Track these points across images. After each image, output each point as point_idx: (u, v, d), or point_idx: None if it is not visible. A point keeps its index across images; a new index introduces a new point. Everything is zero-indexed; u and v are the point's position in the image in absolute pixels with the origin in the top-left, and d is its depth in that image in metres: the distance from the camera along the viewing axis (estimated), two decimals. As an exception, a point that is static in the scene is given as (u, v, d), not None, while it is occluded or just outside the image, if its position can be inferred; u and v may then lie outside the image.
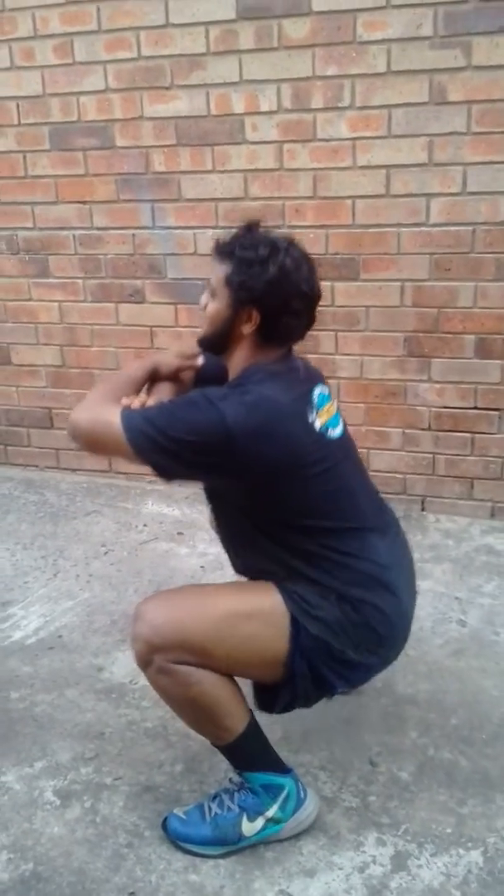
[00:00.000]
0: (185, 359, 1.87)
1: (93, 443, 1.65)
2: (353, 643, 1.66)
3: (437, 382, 3.05)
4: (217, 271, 1.67)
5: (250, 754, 1.75)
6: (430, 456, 3.14)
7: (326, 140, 2.94)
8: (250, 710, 1.72)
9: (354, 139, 2.90)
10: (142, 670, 1.69)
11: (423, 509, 3.19)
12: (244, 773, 1.75)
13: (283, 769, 1.76)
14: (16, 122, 3.33)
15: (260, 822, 1.73)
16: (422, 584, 2.67)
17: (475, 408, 3.03)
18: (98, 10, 3.07)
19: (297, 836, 1.77)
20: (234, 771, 1.78)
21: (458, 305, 2.95)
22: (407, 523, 3.08)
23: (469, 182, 2.82)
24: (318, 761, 1.98)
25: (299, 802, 1.75)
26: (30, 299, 3.55)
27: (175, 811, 1.80)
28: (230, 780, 1.81)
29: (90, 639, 2.51)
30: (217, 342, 1.72)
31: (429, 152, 2.83)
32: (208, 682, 1.64)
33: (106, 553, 3.02)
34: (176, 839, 1.76)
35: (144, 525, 3.23)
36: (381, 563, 1.69)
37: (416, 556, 2.81)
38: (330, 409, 1.71)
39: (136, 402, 1.66)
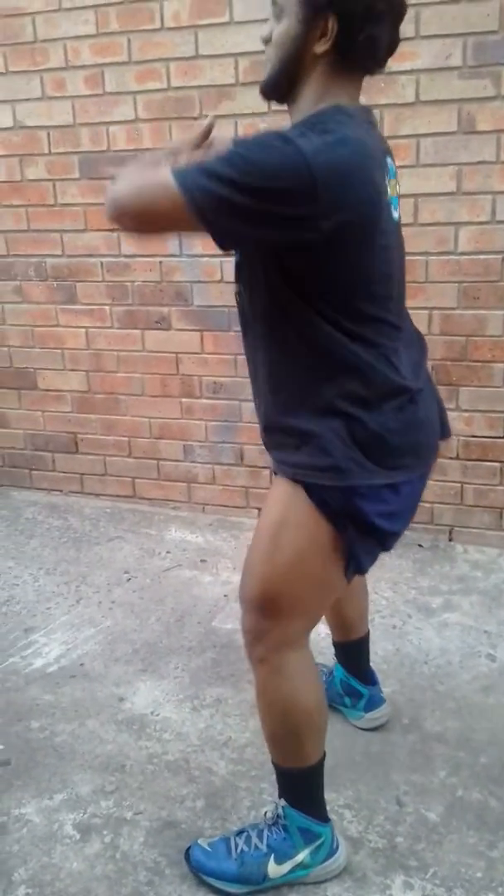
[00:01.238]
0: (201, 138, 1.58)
1: (140, 214, 1.38)
2: (368, 468, 1.46)
3: (466, 411, 3.01)
4: None
5: (305, 791, 1.71)
6: (459, 485, 3.09)
7: (354, 169, 2.94)
8: (325, 751, 1.69)
9: (382, 168, 2.90)
10: (253, 666, 1.64)
11: (450, 539, 3.14)
12: (287, 807, 1.70)
13: (325, 818, 1.71)
14: (46, 150, 3.37)
15: (287, 867, 1.68)
16: (450, 617, 2.64)
17: (504, 437, 3.00)
18: (129, 41, 3.11)
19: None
20: (275, 802, 1.73)
21: (486, 334, 2.92)
22: (434, 554, 3.05)
23: (498, 211, 2.80)
24: (344, 800, 1.93)
25: (331, 853, 1.71)
26: (57, 325, 3.57)
27: (199, 841, 1.76)
28: (265, 813, 1.76)
29: (111, 668, 2.49)
30: (285, 75, 1.44)
31: (457, 181, 2.82)
32: (315, 700, 1.63)
33: (129, 580, 3.00)
34: (198, 870, 1.71)
35: (168, 552, 3.21)
36: (401, 364, 1.50)
37: (443, 587, 2.79)
38: (394, 185, 1.49)
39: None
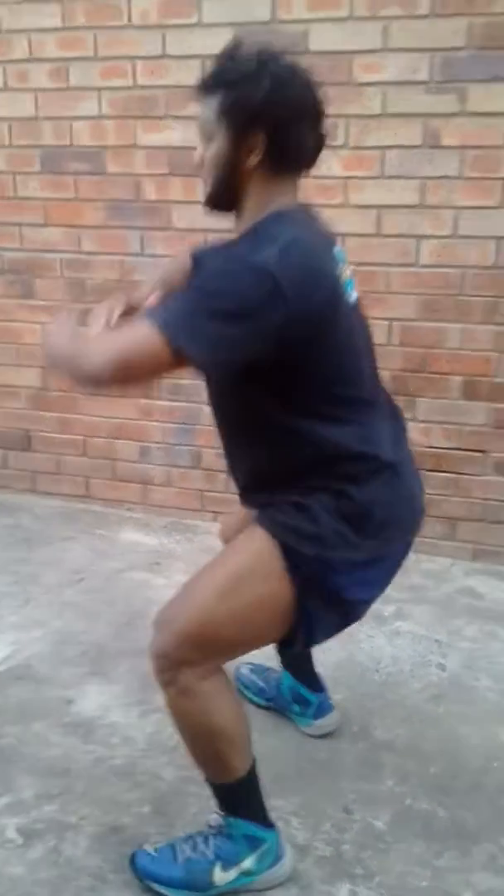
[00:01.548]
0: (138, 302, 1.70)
1: (127, 374, 1.38)
2: (353, 543, 1.50)
3: (423, 422, 3.04)
4: (206, 110, 1.48)
5: (243, 799, 1.69)
6: (412, 495, 3.12)
7: (319, 177, 2.94)
8: (254, 756, 1.67)
9: (347, 178, 2.91)
10: (162, 689, 1.58)
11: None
12: (228, 817, 1.68)
13: (268, 824, 1.70)
14: (7, 142, 3.31)
15: (233, 874, 1.67)
16: (401, 626, 2.66)
17: (460, 449, 3.03)
18: (95, 36, 3.08)
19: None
20: (218, 812, 1.71)
21: (445, 346, 2.96)
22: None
23: (460, 225, 2.84)
24: (291, 806, 1.92)
25: (276, 859, 1.70)
26: (13, 320, 3.51)
27: (145, 846, 1.74)
28: (208, 822, 1.74)
29: (60, 670, 2.44)
30: (225, 190, 1.51)
31: (421, 194, 2.85)
32: (230, 716, 1.59)
33: (80, 581, 2.95)
34: (143, 876, 1.69)
35: (120, 553, 3.17)
36: (381, 440, 1.55)
37: (396, 595, 2.80)
38: (344, 272, 1.54)
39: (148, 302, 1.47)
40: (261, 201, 1.49)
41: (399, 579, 2.91)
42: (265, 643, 1.68)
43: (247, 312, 1.35)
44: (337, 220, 2.93)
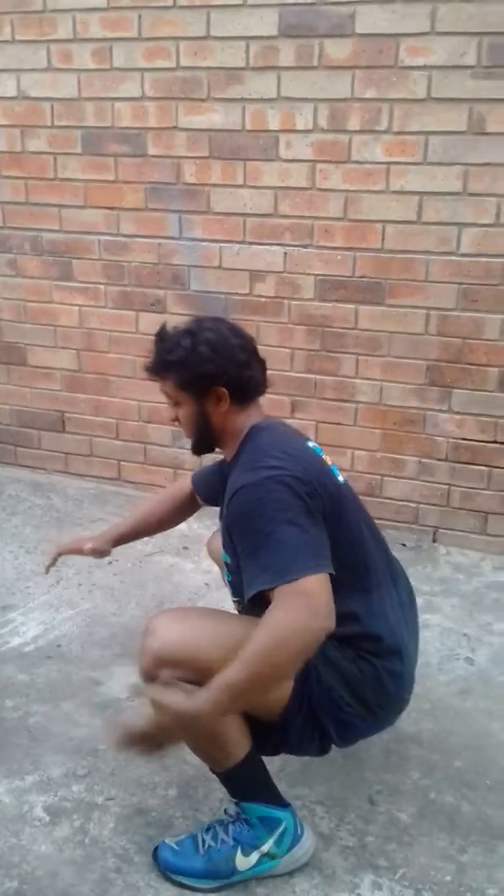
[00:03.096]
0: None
1: (299, 644, 1.45)
2: (361, 699, 1.65)
3: (458, 413, 3.00)
4: (166, 386, 1.74)
5: (249, 783, 1.70)
6: (446, 487, 3.09)
7: (360, 163, 2.91)
8: (251, 738, 1.67)
9: (389, 163, 2.87)
10: (145, 684, 1.63)
11: (434, 541, 3.14)
12: (241, 803, 1.70)
13: (282, 803, 1.71)
14: (49, 123, 3.31)
15: (255, 857, 1.68)
16: (430, 619, 2.64)
17: (494, 441, 2.99)
18: (139, 17, 3.06)
19: (290, 873, 1.72)
20: (231, 800, 1.73)
21: (483, 337, 2.91)
22: (417, 554, 3.05)
23: (503, 214, 2.79)
24: (316, 796, 1.93)
25: (296, 839, 1.70)
26: (50, 301, 3.53)
27: (167, 840, 1.75)
28: (225, 810, 1.76)
29: (89, 651, 2.47)
30: (207, 438, 1.76)
31: (464, 181, 2.80)
32: None
33: (109, 563, 2.97)
34: (166, 870, 1.70)
35: (150, 537, 3.18)
36: (391, 625, 1.69)
37: (424, 588, 2.79)
38: (326, 460, 1.75)
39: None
40: (237, 429, 1.72)
41: (428, 571, 2.92)
42: (241, 711, 1.62)
43: (306, 507, 1.53)
44: (377, 207, 2.92)
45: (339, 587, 1.57)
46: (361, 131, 2.88)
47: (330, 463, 1.75)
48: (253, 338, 1.77)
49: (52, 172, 3.36)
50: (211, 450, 1.80)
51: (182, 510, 2.17)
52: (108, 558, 2.97)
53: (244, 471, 1.62)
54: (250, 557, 1.53)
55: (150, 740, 1.55)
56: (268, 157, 3.02)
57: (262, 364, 1.75)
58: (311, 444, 1.76)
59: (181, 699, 1.47)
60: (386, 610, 1.70)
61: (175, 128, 3.13)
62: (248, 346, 1.73)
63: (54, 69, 3.24)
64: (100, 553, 2.14)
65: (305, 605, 1.43)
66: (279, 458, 1.59)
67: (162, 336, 1.73)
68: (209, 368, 1.66)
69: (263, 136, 3.01)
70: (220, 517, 1.77)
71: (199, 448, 1.80)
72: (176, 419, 1.77)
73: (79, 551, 2.14)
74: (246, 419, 1.72)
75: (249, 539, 1.54)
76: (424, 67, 2.76)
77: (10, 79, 3.31)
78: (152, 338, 1.76)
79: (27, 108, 3.32)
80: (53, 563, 2.17)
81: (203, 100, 3.06)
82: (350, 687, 1.64)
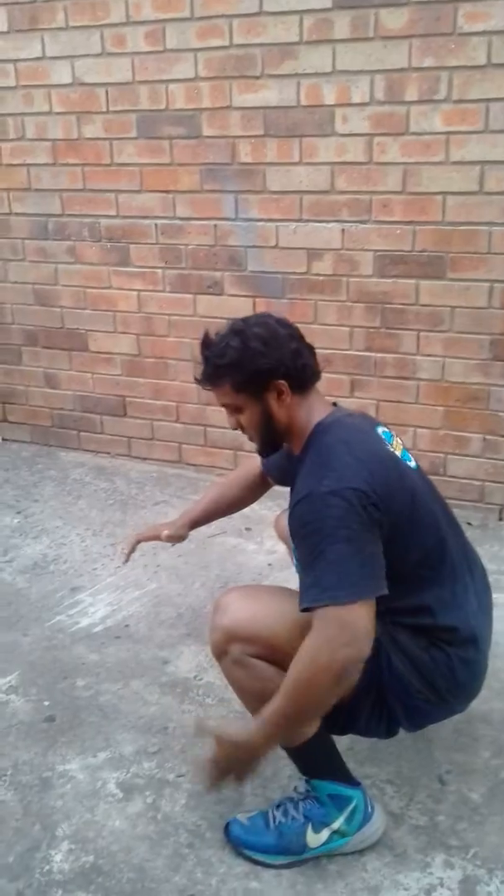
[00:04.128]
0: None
1: (359, 639, 1.47)
2: (432, 686, 1.63)
3: (524, 390, 2.94)
4: (222, 394, 1.69)
5: (319, 761, 1.71)
6: (512, 464, 3.04)
7: (419, 134, 2.85)
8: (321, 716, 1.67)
9: (448, 133, 2.81)
10: (216, 659, 1.68)
11: (500, 519, 3.09)
12: (311, 780, 1.71)
13: (352, 782, 1.71)
14: (104, 108, 3.33)
15: (325, 834, 1.68)
16: (498, 598, 2.56)
17: None
18: (192, -4, 3.04)
19: (361, 852, 1.72)
20: (301, 778, 1.74)
21: (549, 310, 2.84)
22: (483, 533, 3.00)
23: None
24: (386, 775, 1.92)
25: (366, 817, 1.70)
26: (109, 287, 3.56)
27: (237, 817, 1.77)
28: (295, 788, 1.77)
29: (156, 630, 2.50)
30: (274, 437, 1.72)
31: (527, 149, 2.72)
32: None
33: (173, 545, 2.99)
34: (238, 846, 1.72)
35: (213, 519, 3.20)
36: (467, 614, 1.66)
37: (492, 567, 2.72)
38: (398, 445, 1.71)
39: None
40: (302, 422, 1.67)
41: (495, 550, 2.87)
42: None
43: (365, 522, 1.49)
44: (437, 178, 2.86)
45: (413, 581, 1.60)
46: (420, 101, 2.82)
47: (401, 447, 1.71)
48: (297, 327, 1.72)
49: (108, 158, 3.38)
50: (278, 449, 1.78)
51: (254, 490, 2.14)
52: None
53: (309, 475, 1.58)
54: (304, 570, 1.54)
55: (224, 772, 1.62)
56: (323, 133, 2.98)
57: (311, 350, 1.71)
58: (380, 429, 1.71)
59: (235, 731, 1.57)
60: (461, 600, 1.67)
61: (229, 107, 3.11)
62: (296, 335, 1.69)
63: (108, 54, 3.25)
64: (177, 538, 2.14)
65: (341, 633, 1.45)
66: (344, 466, 1.54)
67: (207, 343, 1.68)
68: (264, 363, 1.62)
69: (319, 112, 2.97)
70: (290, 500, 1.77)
71: (267, 450, 1.78)
72: (238, 426, 1.73)
73: (156, 538, 2.15)
74: (310, 411, 1.68)
75: (304, 552, 1.54)
76: (484, 33, 2.68)
77: (65, 66, 3.33)
78: (199, 347, 1.71)
79: (82, 94, 3.34)
80: (133, 551, 2.18)
81: (257, 77, 3.03)
82: (420, 674, 1.62)
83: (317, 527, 1.51)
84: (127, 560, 2.19)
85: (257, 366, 1.62)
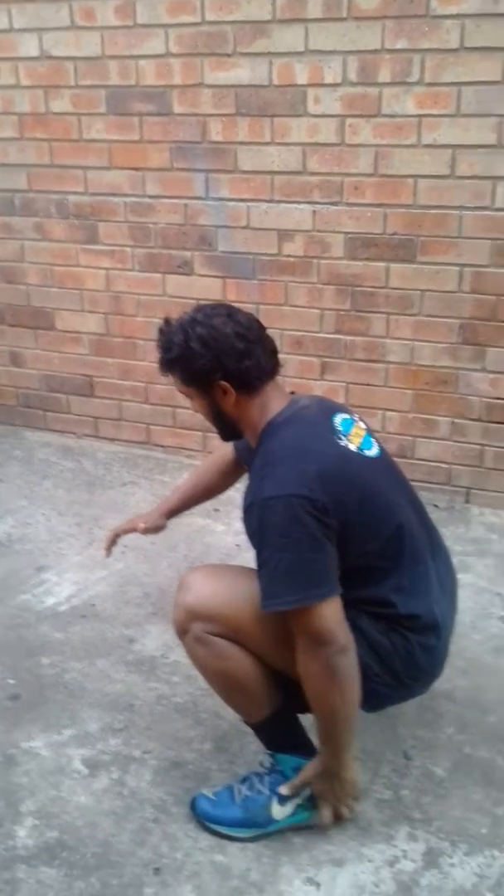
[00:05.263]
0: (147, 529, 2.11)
1: (328, 633, 1.52)
2: (391, 670, 1.64)
3: (491, 372, 2.96)
4: (176, 382, 1.71)
5: (282, 736, 1.73)
6: (479, 447, 3.06)
7: (391, 116, 2.85)
8: (282, 691, 1.68)
9: (421, 116, 2.81)
10: (179, 638, 1.69)
11: (467, 501, 3.12)
12: (275, 754, 1.72)
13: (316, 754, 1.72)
14: (72, 83, 3.27)
15: (290, 807, 1.70)
16: (463, 578, 2.60)
17: (528, 401, 2.95)
18: (163, -29, 3.00)
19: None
20: (266, 753, 1.75)
21: (518, 294, 2.86)
22: (450, 515, 3.03)
23: (538, 166, 2.72)
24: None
25: (332, 791, 1.72)
26: (77, 265, 3.51)
27: (203, 791, 1.77)
28: (260, 762, 1.78)
29: (122, 610, 2.49)
30: (228, 427, 1.74)
31: (499, 134, 2.72)
32: (243, 659, 1.63)
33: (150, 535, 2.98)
34: (205, 820, 1.73)
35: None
36: (430, 601, 1.67)
37: (457, 548, 2.77)
38: (358, 432, 1.70)
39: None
40: (253, 419, 1.67)
41: (461, 532, 2.90)
42: (272, 663, 1.66)
43: (305, 533, 1.49)
44: (409, 161, 2.86)
45: (373, 573, 1.61)
46: (392, 83, 2.81)
47: (364, 433, 1.70)
48: (256, 320, 1.69)
49: (76, 133, 3.33)
50: (238, 436, 1.78)
51: (228, 476, 2.14)
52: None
53: (255, 479, 1.61)
54: (259, 570, 1.56)
55: (335, 801, 1.68)
56: (295, 113, 2.97)
57: (267, 346, 1.68)
58: (339, 417, 1.69)
59: (312, 767, 1.65)
60: (423, 587, 1.67)
61: (200, 85, 3.08)
62: (247, 334, 1.64)
63: (77, 27, 3.19)
64: (155, 529, 2.14)
65: (309, 637, 1.51)
66: (286, 472, 1.54)
67: (162, 332, 1.69)
68: (203, 364, 1.62)
69: (291, 91, 2.95)
70: None
71: (225, 436, 1.80)
72: (197, 410, 1.76)
73: (133, 530, 2.14)
74: (262, 408, 1.66)
75: (258, 555, 1.56)
76: (457, 16, 2.68)
77: (33, 38, 3.27)
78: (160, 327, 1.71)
79: (50, 67, 3.28)
80: (114, 544, 2.17)
81: (229, 55, 3.00)
82: (380, 658, 1.63)
83: (261, 536, 1.54)
84: (108, 555, 2.19)
85: (196, 366, 1.63)
